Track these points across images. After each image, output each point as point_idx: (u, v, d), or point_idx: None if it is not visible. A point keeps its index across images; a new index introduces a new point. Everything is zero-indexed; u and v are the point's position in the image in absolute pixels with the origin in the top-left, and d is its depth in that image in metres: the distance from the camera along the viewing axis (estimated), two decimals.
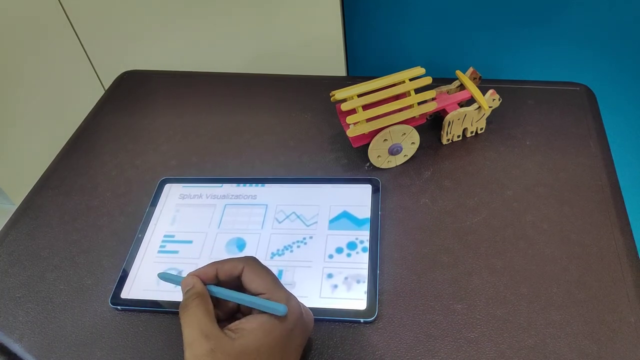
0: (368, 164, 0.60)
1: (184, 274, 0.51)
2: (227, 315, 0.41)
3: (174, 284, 0.42)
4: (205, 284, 0.40)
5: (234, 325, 0.38)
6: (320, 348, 0.45)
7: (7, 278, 0.54)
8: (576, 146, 0.59)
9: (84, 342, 0.48)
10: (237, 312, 0.42)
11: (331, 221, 0.54)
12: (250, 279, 0.39)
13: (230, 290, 0.40)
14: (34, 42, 0.94)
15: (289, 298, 0.39)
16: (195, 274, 0.41)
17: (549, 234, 0.51)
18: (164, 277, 0.43)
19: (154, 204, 0.59)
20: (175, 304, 0.49)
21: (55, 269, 0.54)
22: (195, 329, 0.36)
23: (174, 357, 0.46)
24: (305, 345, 0.45)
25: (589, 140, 0.59)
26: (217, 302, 0.40)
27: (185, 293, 0.39)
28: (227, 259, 0.41)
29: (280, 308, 0.37)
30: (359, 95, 0.55)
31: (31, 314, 0.50)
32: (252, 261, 0.41)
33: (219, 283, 0.41)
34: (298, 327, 0.39)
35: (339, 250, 0.51)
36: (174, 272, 0.52)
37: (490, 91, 0.57)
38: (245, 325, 0.37)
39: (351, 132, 0.55)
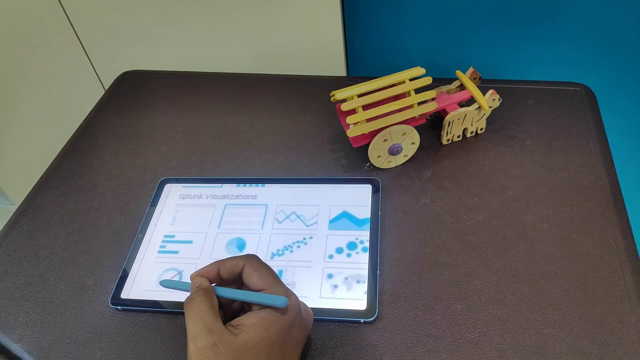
0: (368, 164, 0.60)
1: (185, 274, 0.51)
2: (230, 316, 0.42)
3: (177, 289, 0.43)
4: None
5: (235, 321, 0.38)
6: (320, 348, 0.45)
7: (7, 278, 0.54)
8: (576, 146, 0.59)
9: (84, 342, 0.48)
10: (240, 312, 0.42)
11: (331, 221, 0.54)
12: (250, 275, 0.40)
13: (232, 289, 0.40)
14: (34, 42, 0.94)
15: (289, 294, 0.39)
16: (198, 273, 0.41)
17: (549, 234, 0.51)
18: (166, 284, 0.43)
19: (154, 204, 0.59)
20: (175, 304, 0.49)
21: (55, 269, 0.54)
22: (199, 322, 0.37)
23: (174, 357, 0.46)
24: (306, 345, 0.45)
25: (589, 140, 0.59)
26: (221, 305, 0.40)
27: (192, 289, 0.40)
28: (229, 258, 0.41)
29: (280, 300, 0.38)
30: (359, 96, 0.55)
31: (31, 314, 0.50)
32: (253, 258, 0.41)
33: (220, 281, 0.41)
34: (297, 323, 0.39)
35: (339, 251, 0.51)
36: (173, 273, 0.52)
37: (490, 91, 0.57)
38: (246, 321, 0.38)
39: (351, 132, 0.55)
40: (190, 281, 0.41)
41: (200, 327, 0.37)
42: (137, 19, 0.86)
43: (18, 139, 1.15)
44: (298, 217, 0.55)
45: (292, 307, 0.39)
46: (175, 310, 0.49)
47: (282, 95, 0.72)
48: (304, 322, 0.41)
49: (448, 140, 0.61)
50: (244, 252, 0.53)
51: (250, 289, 0.40)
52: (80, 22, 0.89)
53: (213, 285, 0.41)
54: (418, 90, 0.56)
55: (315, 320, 0.46)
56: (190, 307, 0.38)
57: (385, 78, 0.56)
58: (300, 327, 0.40)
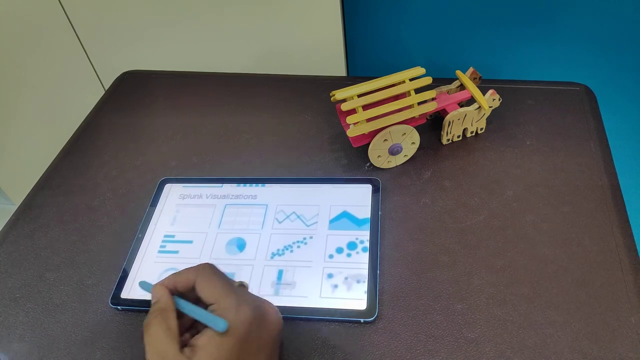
0: (368, 164, 0.60)
1: None
2: (189, 325, 0.40)
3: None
4: (173, 293, 0.39)
5: (193, 340, 0.37)
6: (320, 348, 0.45)
7: (7, 278, 0.54)
8: (576, 146, 0.59)
9: (84, 342, 0.48)
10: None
11: (331, 221, 0.54)
12: (202, 289, 0.38)
13: (189, 302, 0.39)
14: (34, 42, 0.94)
15: (239, 304, 0.37)
16: (163, 283, 0.40)
17: (549, 234, 0.51)
18: (143, 285, 0.41)
19: (154, 204, 0.59)
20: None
21: (55, 269, 0.54)
22: (153, 349, 0.36)
23: None
24: (306, 345, 0.45)
25: (589, 140, 0.59)
26: (181, 314, 0.39)
27: (151, 306, 0.39)
28: (182, 271, 0.40)
29: (219, 324, 0.36)
30: (359, 95, 0.55)
31: (31, 314, 0.50)
32: (203, 270, 0.39)
33: (180, 294, 0.40)
34: (254, 333, 0.37)
35: (339, 250, 0.51)
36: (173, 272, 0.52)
37: (490, 91, 0.57)
38: (198, 341, 0.36)
39: (351, 132, 0.55)
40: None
41: (154, 354, 0.36)
42: (137, 19, 0.86)
43: (18, 139, 1.15)
44: (298, 217, 0.55)
45: (242, 321, 0.37)
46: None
47: (282, 95, 0.72)
48: (264, 328, 0.38)
49: (448, 140, 0.61)
50: (244, 252, 0.53)
51: (204, 302, 0.38)
52: (80, 22, 0.89)
53: (178, 295, 0.39)
54: (418, 90, 0.56)
55: (315, 320, 0.47)
56: (147, 332, 0.37)
57: (385, 78, 0.56)
58: (259, 335, 0.38)
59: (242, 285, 0.42)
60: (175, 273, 0.40)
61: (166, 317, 0.37)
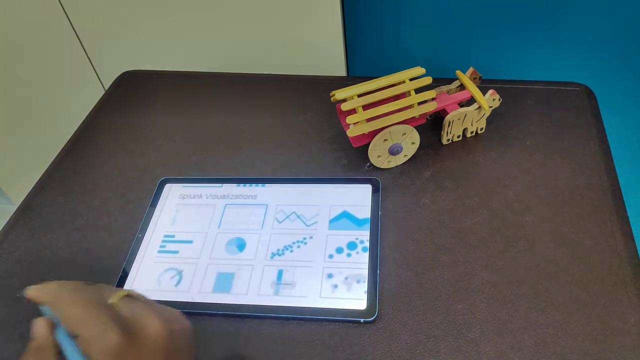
0: (368, 164, 0.60)
1: (185, 274, 0.51)
2: None
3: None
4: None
5: None
6: (320, 348, 0.45)
7: (7, 278, 0.54)
8: (576, 146, 0.59)
9: None
10: None
11: (331, 221, 0.54)
12: (61, 319, 0.33)
13: (68, 336, 0.34)
14: (34, 42, 0.94)
15: (104, 330, 0.32)
16: (40, 295, 0.35)
17: (549, 234, 0.51)
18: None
19: (154, 204, 0.59)
20: (176, 305, 0.49)
21: (55, 269, 0.54)
22: None
23: None
24: (306, 344, 0.45)
25: (589, 140, 0.59)
26: None
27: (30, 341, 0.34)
28: (39, 287, 0.35)
29: None
30: (359, 95, 0.55)
31: (31, 314, 0.50)
32: (59, 293, 0.34)
33: None
34: (128, 357, 0.32)
35: (339, 250, 0.51)
36: (173, 272, 0.52)
37: (490, 91, 0.57)
38: None
39: (351, 132, 0.55)
40: None
41: None
42: (137, 19, 0.86)
43: (18, 139, 1.15)
44: (298, 217, 0.55)
45: (107, 351, 0.32)
46: None
47: (282, 95, 0.72)
48: (143, 345, 0.33)
49: (448, 140, 0.61)
50: (244, 252, 0.53)
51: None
52: (80, 22, 0.89)
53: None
54: (418, 90, 0.56)
55: (315, 320, 0.47)
56: None
57: (385, 78, 0.56)
58: (138, 356, 0.33)
59: (129, 296, 0.36)
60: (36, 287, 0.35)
61: (41, 357, 0.33)
